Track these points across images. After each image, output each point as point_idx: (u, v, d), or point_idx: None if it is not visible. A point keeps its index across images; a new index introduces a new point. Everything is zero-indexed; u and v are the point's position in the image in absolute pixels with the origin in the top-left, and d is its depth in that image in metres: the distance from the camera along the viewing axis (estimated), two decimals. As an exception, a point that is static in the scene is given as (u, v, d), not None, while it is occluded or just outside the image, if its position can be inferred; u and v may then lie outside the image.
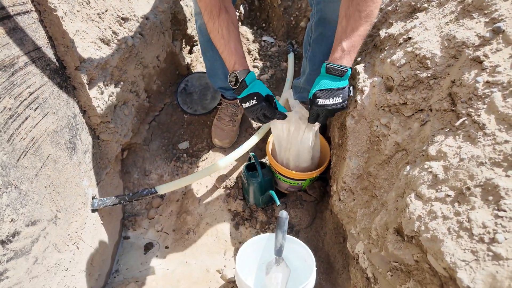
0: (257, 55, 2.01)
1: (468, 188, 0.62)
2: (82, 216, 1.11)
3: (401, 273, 0.72)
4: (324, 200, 1.42)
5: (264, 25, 2.17)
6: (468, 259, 0.56)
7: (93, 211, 1.19)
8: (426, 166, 0.72)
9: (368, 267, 0.88)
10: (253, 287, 0.99)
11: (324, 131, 1.48)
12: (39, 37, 0.93)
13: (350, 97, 1.04)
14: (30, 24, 0.89)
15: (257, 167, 1.33)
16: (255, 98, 1.08)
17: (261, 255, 1.18)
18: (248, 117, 1.20)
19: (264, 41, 2.08)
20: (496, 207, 0.57)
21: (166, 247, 1.40)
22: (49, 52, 0.98)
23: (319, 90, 0.99)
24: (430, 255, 0.63)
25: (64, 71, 1.05)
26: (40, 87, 0.92)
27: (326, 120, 1.11)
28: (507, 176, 0.59)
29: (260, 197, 1.35)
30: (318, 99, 0.99)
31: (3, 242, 0.73)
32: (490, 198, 0.59)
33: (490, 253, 0.54)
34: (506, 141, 0.62)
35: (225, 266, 1.30)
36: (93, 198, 1.20)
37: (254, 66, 1.95)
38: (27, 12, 0.87)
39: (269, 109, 1.10)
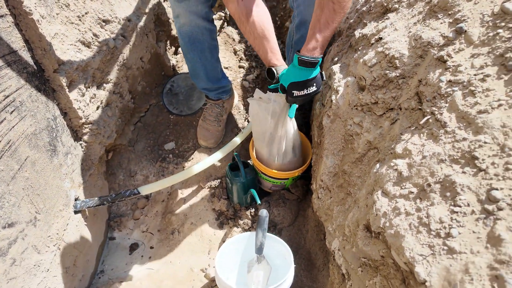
0: (243, 55, 2.02)
1: (429, 185, 0.64)
2: (64, 217, 1.12)
3: (370, 268, 0.74)
4: (306, 198, 1.44)
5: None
6: (425, 253, 0.58)
7: (76, 212, 1.20)
8: (392, 164, 0.74)
9: (343, 263, 0.90)
10: (233, 286, 1.00)
11: (307, 130, 1.50)
12: (15, 40, 0.93)
13: (324, 80, 1.09)
14: (5, 28, 0.90)
15: (240, 167, 1.35)
16: (314, 84, 1.05)
17: (242, 254, 1.20)
18: (298, 103, 1.14)
19: (250, 41, 2.09)
20: (452, 203, 0.59)
21: (151, 247, 1.41)
22: (25, 56, 0.98)
23: (294, 83, 1.02)
24: (393, 251, 0.64)
25: (42, 74, 1.06)
26: (16, 90, 0.92)
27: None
28: (463, 172, 0.61)
29: (243, 196, 1.36)
30: (293, 91, 1.04)
31: (-23, 244, 0.74)
32: (448, 194, 0.61)
33: (445, 247, 0.56)
34: (464, 139, 0.63)
35: (209, 265, 1.32)
36: (76, 199, 1.21)
37: (240, 66, 1.96)
38: (1, 16, 0.88)
39: None
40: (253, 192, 1.22)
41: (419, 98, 0.81)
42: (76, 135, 1.26)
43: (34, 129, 0.99)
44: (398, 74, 0.86)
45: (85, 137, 1.28)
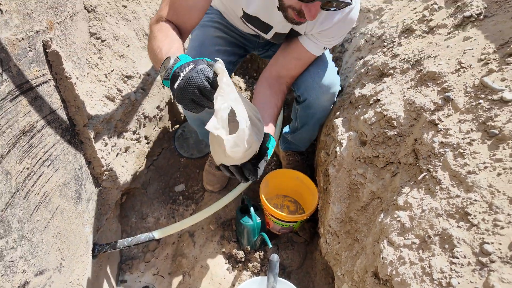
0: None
1: (429, 237, 0.73)
2: (83, 262, 1.17)
3: (379, 314, 0.80)
4: (314, 241, 1.49)
5: (255, 74, 2.36)
6: (430, 301, 0.65)
7: (93, 257, 1.25)
8: (395, 215, 0.83)
9: (352, 308, 0.95)
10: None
11: (311, 173, 1.59)
12: (55, 101, 1.05)
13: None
14: (48, 91, 1.01)
15: (250, 211, 1.42)
16: (191, 63, 0.76)
17: (254, 298, 1.24)
18: (179, 102, 0.77)
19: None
20: (451, 254, 0.67)
21: (162, 291, 1.44)
22: (61, 113, 1.09)
23: None
24: (400, 298, 0.71)
25: (73, 128, 1.17)
26: (53, 146, 1.02)
27: None
28: (458, 226, 0.69)
29: (253, 239, 1.42)
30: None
31: (15, 293, 0.80)
32: (446, 246, 0.69)
33: (447, 296, 0.63)
34: (457, 196, 0.73)
35: (220, 309, 1.34)
36: (94, 244, 1.27)
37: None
38: (46, 81, 1.00)
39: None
40: (264, 236, 1.28)
41: (415, 155, 0.92)
42: (97, 182, 1.34)
43: (64, 180, 1.07)
44: (396, 133, 0.97)
45: (105, 183, 1.37)
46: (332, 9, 0.94)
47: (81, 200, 1.18)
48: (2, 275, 0.75)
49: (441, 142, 0.83)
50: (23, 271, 0.83)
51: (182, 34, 1.06)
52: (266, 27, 1.20)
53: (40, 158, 0.95)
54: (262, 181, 1.52)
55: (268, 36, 1.26)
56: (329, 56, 1.34)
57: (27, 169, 0.89)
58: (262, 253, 1.45)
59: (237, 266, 1.45)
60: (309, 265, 1.43)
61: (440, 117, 0.86)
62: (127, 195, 1.64)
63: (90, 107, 1.24)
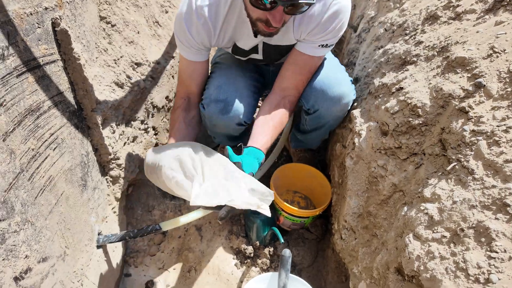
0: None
1: (462, 230, 0.67)
2: (88, 252, 1.12)
3: (403, 313, 0.74)
4: (325, 238, 1.44)
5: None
6: (466, 299, 0.59)
7: (98, 247, 1.21)
8: (422, 208, 0.77)
9: (371, 307, 0.89)
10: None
11: (323, 167, 1.54)
12: (62, 82, 1.01)
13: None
14: (56, 71, 0.97)
15: (259, 205, 1.37)
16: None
17: (264, 295, 1.18)
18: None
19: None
20: (488, 249, 0.61)
21: (167, 286, 1.39)
22: (69, 96, 1.05)
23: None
24: (430, 295, 0.66)
25: (81, 113, 1.13)
26: (59, 128, 0.98)
27: None
28: (496, 219, 0.64)
29: (263, 234, 1.37)
30: None
31: (16, 278, 0.75)
32: (483, 239, 0.63)
33: (486, 293, 0.57)
34: (494, 186, 0.67)
35: (227, 306, 1.29)
36: (99, 234, 1.22)
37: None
38: (54, 61, 0.96)
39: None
40: (275, 230, 1.23)
41: (442, 145, 0.86)
42: (103, 170, 1.30)
43: (70, 165, 1.03)
44: (421, 122, 0.92)
45: (111, 172, 1.32)
46: (297, 13, 0.94)
47: (87, 187, 1.14)
48: (3, 259, 0.71)
49: (473, 131, 0.77)
50: (26, 257, 0.79)
51: (191, 99, 1.30)
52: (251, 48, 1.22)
53: (46, 140, 0.91)
54: (272, 175, 1.47)
55: (260, 54, 1.26)
56: (339, 66, 1.28)
57: (32, 150, 0.85)
58: (272, 249, 1.39)
59: (245, 261, 1.40)
60: (321, 263, 1.37)
61: (471, 104, 0.81)
62: (133, 187, 1.60)
63: (99, 92, 1.20)
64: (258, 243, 1.41)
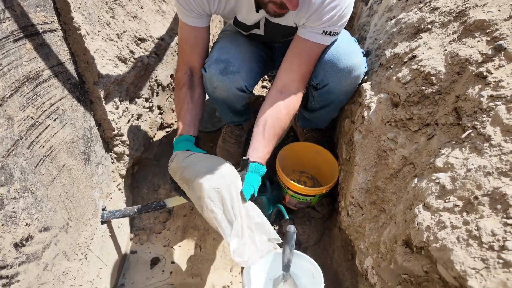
0: (265, 76, 2.07)
1: (476, 198, 0.63)
2: (92, 226, 1.12)
3: (411, 285, 0.71)
4: (332, 217, 1.41)
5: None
6: (479, 267, 0.55)
7: (102, 222, 1.21)
8: (433, 178, 0.73)
9: (377, 282, 0.87)
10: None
11: (332, 147, 1.50)
12: (63, 53, 0.99)
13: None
14: (56, 41, 0.95)
15: (265, 183, 1.34)
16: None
17: (268, 271, 1.17)
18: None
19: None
20: (504, 215, 0.57)
21: (172, 262, 1.39)
22: (70, 68, 1.03)
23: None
24: (440, 265, 0.62)
25: (83, 86, 1.11)
26: (60, 99, 0.97)
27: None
28: (514, 185, 0.59)
29: (268, 213, 1.35)
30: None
31: (16, 245, 0.75)
32: (498, 206, 0.59)
33: (501, 261, 0.54)
34: (512, 151, 0.63)
35: (231, 283, 1.28)
36: (103, 209, 1.22)
37: (262, 87, 2.01)
38: (53, 30, 0.94)
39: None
40: (281, 207, 1.21)
41: (457, 114, 0.81)
42: (107, 147, 1.29)
43: (72, 137, 1.02)
44: (434, 90, 0.87)
45: (115, 149, 1.31)
46: None
47: (90, 162, 1.13)
48: (2, 225, 0.70)
49: (491, 96, 0.72)
50: (26, 224, 0.78)
51: (194, 75, 1.24)
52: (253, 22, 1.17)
53: (46, 110, 0.90)
54: (278, 154, 1.43)
55: (261, 30, 1.21)
56: (350, 38, 1.20)
57: (32, 118, 0.83)
58: (277, 227, 1.37)
59: (250, 240, 1.38)
60: (327, 242, 1.34)
61: (490, 69, 0.75)
62: (139, 166, 1.59)
63: (101, 66, 1.18)
64: (263, 221, 1.39)
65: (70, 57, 1.04)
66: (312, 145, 1.46)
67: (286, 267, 1.07)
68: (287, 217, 1.17)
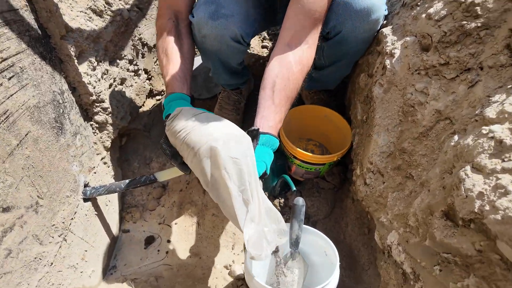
0: (266, 35, 1.87)
1: (552, 154, 0.47)
2: (71, 204, 0.98)
3: (456, 266, 0.57)
4: (344, 188, 1.26)
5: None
6: None
7: (85, 200, 1.07)
8: (484, 132, 0.57)
9: (405, 260, 0.73)
10: (265, 286, 0.85)
11: (343, 111, 1.33)
12: (14, -4, 0.80)
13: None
14: (3, -21, 0.76)
15: (267, 151, 1.19)
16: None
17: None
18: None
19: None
20: None
21: (169, 241, 1.27)
22: (28, 17, 0.85)
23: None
24: (502, 242, 0.47)
25: (48, 41, 0.93)
26: (16, 54, 0.79)
27: None
28: None
29: (272, 184, 1.21)
30: None
31: (-36, 230, 0.61)
32: None
33: None
34: None
35: (233, 262, 1.16)
36: (86, 186, 1.08)
37: (263, 47, 1.81)
38: (-2, -36, 0.75)
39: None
40: (286, 178, 1.06)
41: (510, 52, 0.64)
42: (87, 114, 1.13)
43: (37, 101, 0.85)
44: (479, 25, 0.68)
45: (96, 117, 1.15)
46: None
47: (64, 132, 0.97)
48: None
49: None
50: (-23, 205, 0.64)
51: (180, 22, 1.04)
52: None
53: (-5, 65, 0.72)
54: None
55: None
56: None
57: (-27, 72, 0.66)
58: (282, 200, 1.24)
59: (253, 215, 1.25)
60: (339, 215, 1.21)
61: (562, -14, 0.57)
62: (128, 137, 1.44)
63: (70, 18, 0.99)
64: (267, 194, 1.25)
65: (27, 4, 0.85)
66: (320, 108, 1.29)
67: (294, 244, 0.94)
68: (294, 188, 1.03)
